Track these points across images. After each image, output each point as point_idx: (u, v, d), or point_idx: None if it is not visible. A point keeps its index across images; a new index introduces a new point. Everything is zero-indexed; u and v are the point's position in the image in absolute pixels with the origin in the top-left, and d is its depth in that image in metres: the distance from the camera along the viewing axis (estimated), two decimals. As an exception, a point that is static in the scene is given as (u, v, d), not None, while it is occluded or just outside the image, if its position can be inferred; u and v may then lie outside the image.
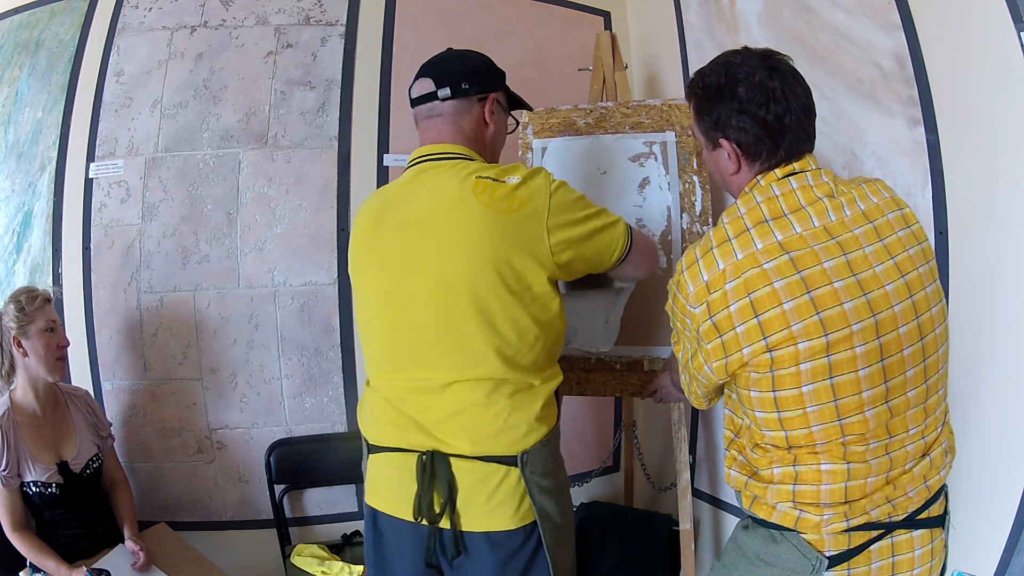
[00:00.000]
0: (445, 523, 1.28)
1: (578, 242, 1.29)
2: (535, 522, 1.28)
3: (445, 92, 1.35)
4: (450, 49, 1.46)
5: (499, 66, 1.46)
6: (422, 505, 1.28)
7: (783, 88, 1.10)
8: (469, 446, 1.26)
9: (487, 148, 1.42)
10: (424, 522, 1.29)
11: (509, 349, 1.26)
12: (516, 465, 1.26)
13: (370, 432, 1.39)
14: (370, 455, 1.39)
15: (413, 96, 1.39)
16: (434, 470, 1.27)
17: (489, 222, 1.23)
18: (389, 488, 1.35)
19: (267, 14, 2.28)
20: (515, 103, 1.50)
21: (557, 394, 1.38)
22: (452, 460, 1.27)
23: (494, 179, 1.26)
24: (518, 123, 1.53)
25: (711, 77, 1.15)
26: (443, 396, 1.28)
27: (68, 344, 1.94)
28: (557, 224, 1.26)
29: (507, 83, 1.47)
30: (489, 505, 1.27)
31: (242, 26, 2.27)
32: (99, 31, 2.27)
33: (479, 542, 1.28)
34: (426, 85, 1.37)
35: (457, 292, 1.25)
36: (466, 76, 1.37)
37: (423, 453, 1.28)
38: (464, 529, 1.28)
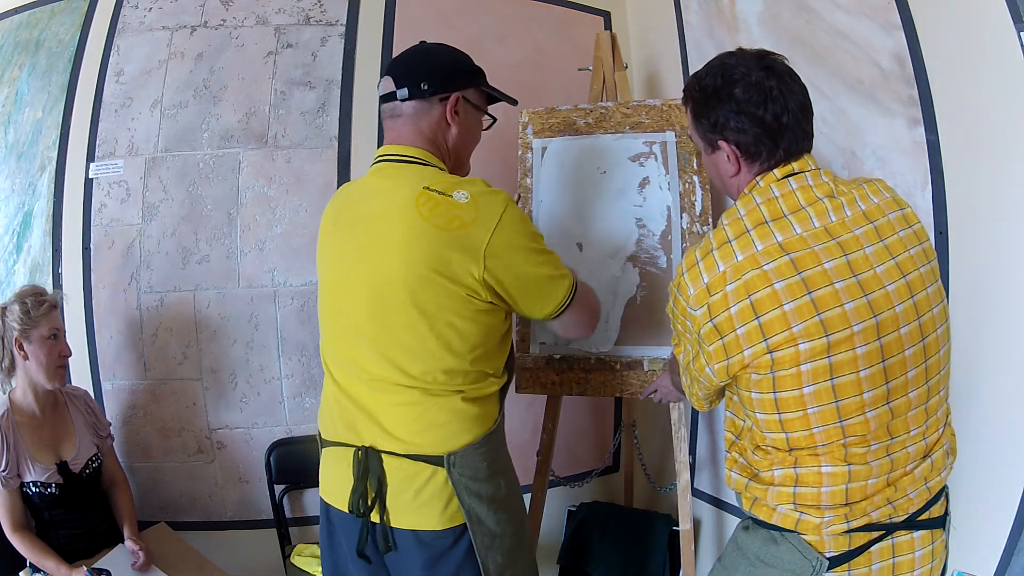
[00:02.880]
0: (376, 517, 1.29)
1: (511, 280, 1.25)
2: (465, 525, 1.28)
3: (403, 92, 1.33)
4: (422, 43, 1.43)
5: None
6: (355, 498, 1.29)
7: (780, 87, 1.10)
8: (397, 443, 1.27)
9: (449, 150, 1.38)
10: (356, 515, 1.30)
11: (435, 357, 1.25)
12: (443, 465, 1.26)
13: (322, 428, 1.42)
14: (322, 450, 1.42)
15: (379, 94, 1.38)
16: (367, 464, 1.28)
17: (423, 235, 1.21)
18: (336, 482, 1.36)
19: (267, 14, 2.28)
20: (493, 100, 1.46)
21: (502, 396, 1.38)
22: (384, 456, 1.28)
23: (441, 192, 1.23)
24: (494, 120, 1.48)
25: (707, 80, 1.15)
26: (374, 390, 1.29)
27: (70, 354, 1.93)
28: (495, 256, 1.22)
29: (490, 82, 1.44)
30: (416, 503, 1.27)
31: (242, 26, 2.27)
32: (99, 31, 2.27)
33: (407, 539, 1.29)
34: (388, 84, 1.35)
35: (388, 296, 1.25)
36: (426, 76, 1.33)
37: (359, 448, 1.30)
38: (393, 525, 1.29)
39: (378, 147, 2.27)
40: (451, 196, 1.23)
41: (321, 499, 1.42)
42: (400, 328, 1.25)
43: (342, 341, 1.34)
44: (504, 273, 1.24)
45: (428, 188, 1.24)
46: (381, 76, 1.39)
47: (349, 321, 1.31)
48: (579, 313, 1.38)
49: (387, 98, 1.36)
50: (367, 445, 1.29)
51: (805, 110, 1.13)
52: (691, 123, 1.21)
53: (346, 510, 1.32)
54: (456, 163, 1.41)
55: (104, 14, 2.28)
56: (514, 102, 1.50)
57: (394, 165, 1.34)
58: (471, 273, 1.22)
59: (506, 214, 1.24)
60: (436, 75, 1.34)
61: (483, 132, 1.48)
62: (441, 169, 1.35)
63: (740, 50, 1.16)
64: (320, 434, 1.43)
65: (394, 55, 2.30)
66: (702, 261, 1.11)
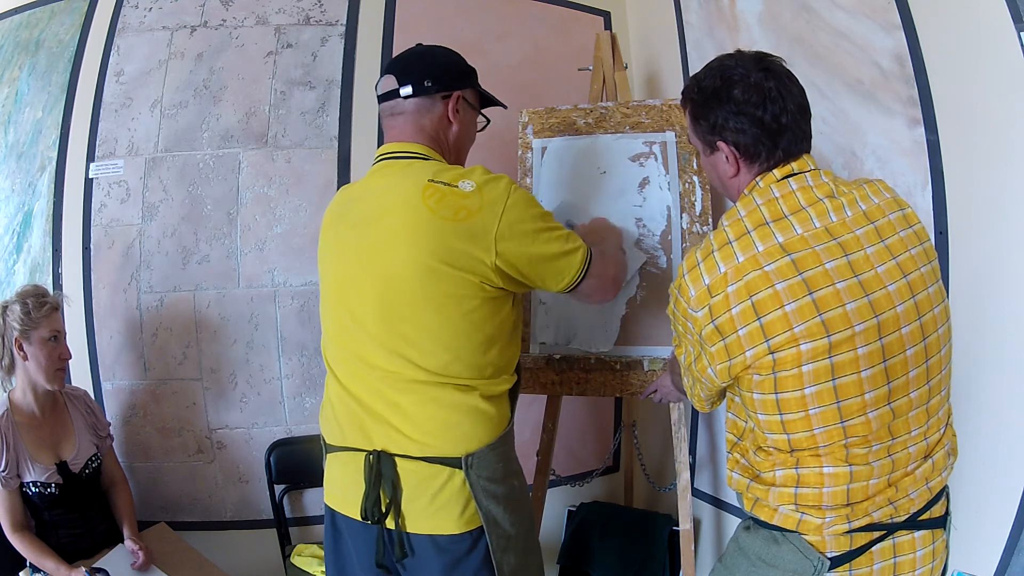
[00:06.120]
0: (390, 523, 1.27)
1: (525, 262, 1.26)
2: (482, 527, 1.26)
3: (407, 90, 1.34)
4: (419, 45, 1.44)
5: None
6: (368, 504, 1.27)
7: (778, 88, 1.10)
8: (412, 444, 1.26)
9: (450, 147, 1.40)
10: (370, 522, 1.28)
11: (446, 352, 1.25)
12: (460, 467, 1.25)
13: (327, 432, 1.40)
14: (327, 455, 1.40)
15: (378, 93, 1.39)
16: (380, 469, 1.26)
17: (432, 228, 1.21)
18: (343, 488, 1.34)
19: (267, 14, 2.28)
20: (487, 101, 1.48)
21: (513, 397, 1.37)
22: (397, 460, 1.26)
23: (447, 184, 1.24)
24: (488, 121, 1.51)
25: (706, 81, 1.15)
26: (387, 387, 1.27)
27: (70, 357, 1.92)
28: (505, 239, 1.23)
29: (490, 82, 1.45)
30: (432, 507, 1.25)
31: (242, 26, 2.27)
32: (99, 31, 2.27)
33: (424, 544, 1.27)
34: (389, 82, 1.36)
35: (396, 292, 1.24)
36: (429, 74, 1.35)
37: (370, 452, 1.28)
38: (409, 531, 1.27)
39: (378, 147, 2.29)
40: (456, 186, 1.24)
41: (326, 505, 1.40)
42: (411, 323, 1.24)
43: (349, 340, 1.32)
44: (516, 256, 1.25)
45: (433, 180, 1.25)
46: (381, 76, 1.40)
47: (356, 319, 1.30)
48: (597, 280, 1.38)
49: (387, 97, 1.36)
50: (378, 449, 1.27)
51: (803, 111, 1.14)
52: (690, 125, 1.21)
53: (357, 517, 1.29)
54: (456, 160, 1.43)
55: (104, 14, 2.28)
56: (504, 106, 1.52)
57: (397, 162, 1.34)
58: (483, 261, 1.22)
59: (511, 197, 1.25)
60: (438, 73, 1.36)
61: (479, 133, 1.50)
62: (442, 163, 1.36)
63: (739, 52, 1.17)
64: (324, 439, 1.41)
65: (394, 55, 2.31)
66: (703, 263, 1.11)
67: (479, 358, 1.27)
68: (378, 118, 2.25)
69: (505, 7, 2.49)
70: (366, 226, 1.30)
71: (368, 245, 1.28)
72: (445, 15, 2.40)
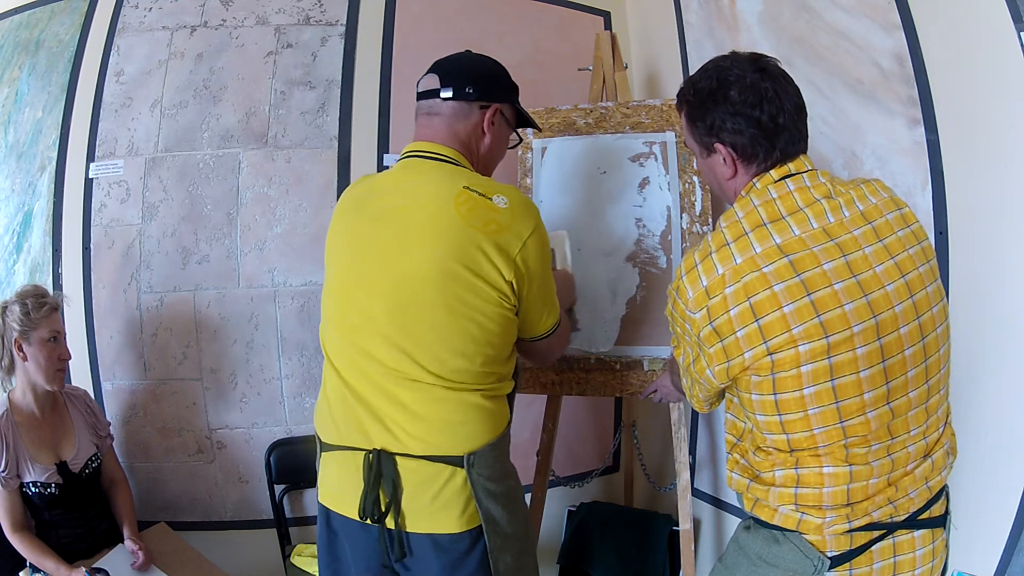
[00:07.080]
0: (390, 523, 1.27)
1: (525, 293, 1.29)
2: (481, 527, 1.26)
3: (448, 92, 1.34)
4: (468, 51, 1.44)
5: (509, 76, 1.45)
6: (367, 504, 1.26)
7: (775, 88, 1.10)
8: (414, 442, 1.25)
9: (479, 157, 1.40)
10: (370, 522, 1.27)
11: (455, 354, 1.25)
12: (462, 466, 1.24)
13: (322, 431, 1.39)
14: (322, 453, 1.39)
15: (419, 90, 1.39)
16: (380, 468, 1.26)
17: (458, 233, 1.22)
18: (340, 487, 1.33)
19: (267, 14, 2.28)
20: (523, 120, 1.48)
21: (510, 399, 1.38)
22: (398, 459, 1.26)
23: (481, 194, 1.25)
24: (521, 140, 1.52)
25: (702, 83, 1.15)
26: (390, 383, 1.27)
27: (69, 358, 1.92)
28: (522, 263, 1.25)
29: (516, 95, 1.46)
30: (433, 506, 1.25)
31: (242, 26, 2.27)
32: (99, 31, 2.27)
33: (424, 544, 1.27)
34: (432, 82, 1.36)
35: (411, 291, 1.24)
36: (472, 80, 1.35)
37: (369, 452, 1.27)
38: (408, 530, 1.27)
39: (378, 147, 2.30)
40: (491, 199, 1.25)
41: (320, 505, 1.39)
42: (423, 324, 1.24)
43: (355, 333, 1.30)
44: (524, 283, 1.27)
45: (468, 188, 1.25)
46: (425, 73, 1.39)
47: (366, 313, 1.28)
48: (554, 345, 1.45)
49: (427, 95, 1.37)
50: (378, 448, 1.26)
51: (800, 111, 1.14)
52: (686, 127, 1.21)
53: (355, 516, 1.29)
54: (482, 172, 1.42)
55: (104, 14, 2.28)
56: (538, 128, 1.55)
57: (427, 162, 1.33)
58: (502, 275, 1.24)
59: (537, 230, 1.28)
60: (482, 82, 1.37)
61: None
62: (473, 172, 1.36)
63: (733, 53, 1.17)
64: (319, 437, 1.39)
65: (394, 55, 2.32)
66: (701, 264, 1.11)
67: (485, 366, 1.27)
68: (378, 117, 2.29)
69: (505, 7, 2.49)
70: (388, 221, 1.29)
71: (388, 240, 1.27)
72: (445, 15, 2.40)
